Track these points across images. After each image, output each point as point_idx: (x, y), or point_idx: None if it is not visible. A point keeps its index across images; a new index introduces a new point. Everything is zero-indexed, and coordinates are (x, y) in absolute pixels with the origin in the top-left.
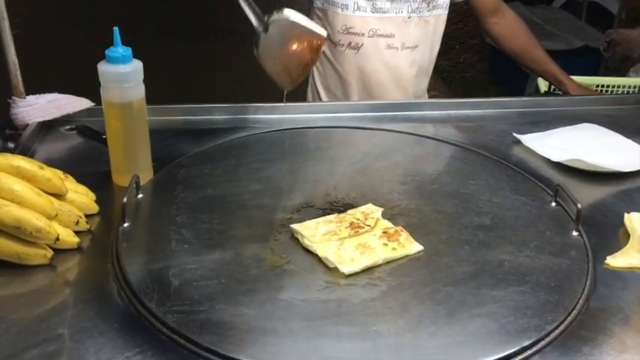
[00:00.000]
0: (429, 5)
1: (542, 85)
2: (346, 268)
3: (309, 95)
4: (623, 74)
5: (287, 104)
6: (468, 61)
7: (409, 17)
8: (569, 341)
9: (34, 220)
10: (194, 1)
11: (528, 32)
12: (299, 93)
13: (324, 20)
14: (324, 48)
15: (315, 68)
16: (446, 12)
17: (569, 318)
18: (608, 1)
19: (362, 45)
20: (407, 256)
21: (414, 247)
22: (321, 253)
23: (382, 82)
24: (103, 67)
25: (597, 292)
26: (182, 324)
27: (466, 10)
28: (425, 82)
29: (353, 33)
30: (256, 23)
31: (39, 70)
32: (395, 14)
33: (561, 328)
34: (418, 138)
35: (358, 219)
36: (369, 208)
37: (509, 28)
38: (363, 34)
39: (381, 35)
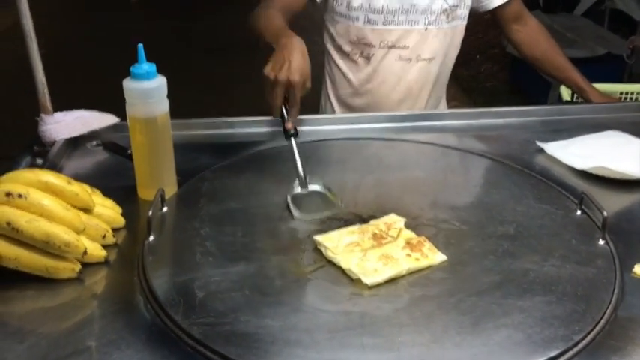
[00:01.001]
0: (448, 17)
1: (565, 93)
2: (369, 279)
3: (322, 106)
4: None
5: (309, 116)
6: (489, 71)
7: (426, 29)
8: (598, 351)
9: (62, 234)
10: (216, 17)
11: (550, 39)
12: (312, 104)
13: (338, 31)
14: (335, 61)
15: (328, 78)
16: (464, 22)
17: (597, 327)
18: (631, 8)
19: (373, 56)
20: (430, 266)
21: (437, 257)
22: (344, 265)
23: (394, 93)
24: (128, 84)
25: (625, 301)
26: (207, 336)
27: (487, 20)
28: (442, 92)
29: (364, 44)
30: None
31: (66, 88)
32: (410, 26)
33: (589, 337)
34: (440, 148)
35: (381, 229)
36: (392, 218)
37: (531, 35)
38: (374, 46)
39: (394, 47)
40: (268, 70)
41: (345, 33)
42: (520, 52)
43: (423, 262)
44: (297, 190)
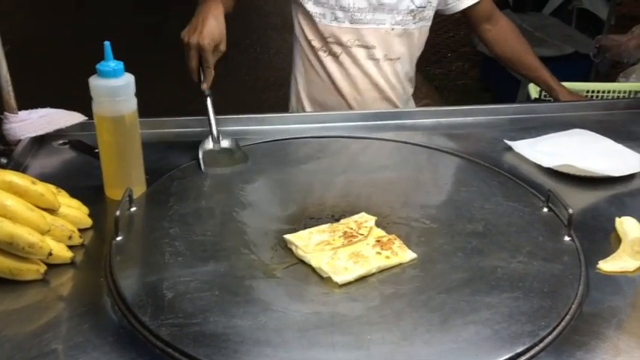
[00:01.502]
0: (414, 17)
1: (533, 91)
2: (340, 278)
3: (292, 102)
4: (614, 80)
5: (279, 114)
6: (460, 69)
7: (392, 29)
8: (563, 346)
9: (26, 235)
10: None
11: (521, 38)
12: (281, 99)
13: (307, 26)
14: (304, 57)
15: (298, 75)
16: (429, 23)
17: (563, 323)
18: (597, 8)
19: (341, 53)
20: (401, 264)
21: (407, 255)
22: (314, 263)
23: (362, 91)
24: (94, 82)
25: (590, 296)
26: (176, 337)
27: (458, 19)
28: (410, 91)
29: (331, 42)
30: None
31: (31, 86)
32: (376, 26)
33: (555, 333)
34: (410, 146)
35: (352, 228)
36: (363, 217)
37: (502, 35)
38: (340, 44)
39: (361, 46)
40: (183, 33)
41: (313, 27)
42: (491, 50)
43: (393, 260)
44: (210, 146)
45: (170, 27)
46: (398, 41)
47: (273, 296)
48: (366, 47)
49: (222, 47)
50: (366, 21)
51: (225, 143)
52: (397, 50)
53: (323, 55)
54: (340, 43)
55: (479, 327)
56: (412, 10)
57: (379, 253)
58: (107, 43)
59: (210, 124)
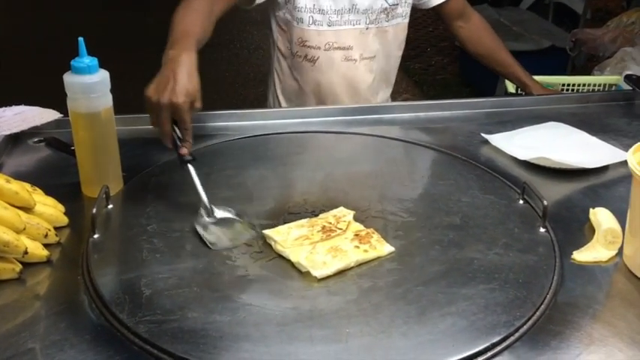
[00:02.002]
0: (387, 16)
1: (510, 86)
2: (318, 272)
3: (270, 102)
4: (590, 73)
5: (259, 110)
6: (439, 64)
7: (367, 28)
8: (538, 336)
9: (1, 234)
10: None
11: (493, 35)
12: (261, 95)
13: (284, 31)
14: (282, 60)
15: (275, 77)
16: (406, 20)
17: (538, 313)
18: (574, 2)
19: (318, 58)
20: (379, 257)
21: (385, 248)
22: (293, 258)
23: (339, 94)
24: (68, 78)
25: (565, 286)
26: (154, 334)
27: (436, 14)
28: (387, 92)
29: (308, 46)
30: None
31: (5, 83)
32: (352, 26)
33: (530, 323)
34: (388, 141)
35: (330, 223)
36: (341, 211)
37: (474, 32)
38: (319, 48)
39: (338, 48)
40: (151, 91)
41: (290, 32)
42: (464, 48)
43: (371, 254)
44: (205, 219)
45: (147, 24)
46: (373, 40)
47: (252, 291)
48: (343, 49)
49: (198, 104)
50: (342, 22)
51: (219, 213)
52: (372, 49)
53: (299, 60)
54: (317, 47)
55: (455, 318)
56: (385, 9)
57: (357, 247)
58: (81, 39)
59: (199, 195)
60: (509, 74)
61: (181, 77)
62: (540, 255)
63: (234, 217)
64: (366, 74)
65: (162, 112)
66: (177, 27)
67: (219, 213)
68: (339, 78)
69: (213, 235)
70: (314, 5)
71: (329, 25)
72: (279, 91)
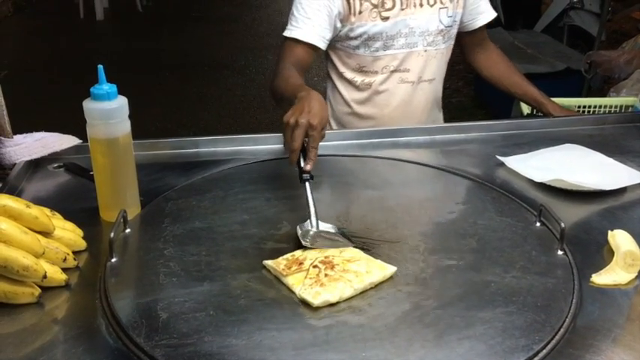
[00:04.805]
0: (444, 37)
1: (525, 108)
2: (317, 301)
3: None
4: (606, 95)
5: (275, 135)
6: (455, 87)
7: (425, 51)
8: None
9: (20, 258)
10: (181, 37)
11: (508, 61)
12: (275, 120)
13: (337, 58)
14: (339, 85)
15: (329, 104)
16: (454, 42)
17: (557, 337)
18: (589, 24)
19: (374, 81)
20: (393, 280)
21: (388, 269)
22: (296, 290)
23: (398, 117)
24: (88, 105)
25: (584, 309)
26: (170, 357)
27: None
28: (439, 116)
29: (366, 71)
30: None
31: (26, 110)
32: (410, 49)
33: (549, 347)
34: (403, 164)
35: (334, 255)
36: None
37: (490, 58)
38: (376, 72)
39: (396, 71)
40: (289, 115)
41: (347, 61)
42: (479, 73)
43: (377, 277)
44: (308, 227)
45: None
46: (432, 62)
47: (268, 316)
48: (402, 71)
49: (324, 132)
50: (399, 46)
51: (323, 226)
52: (432, 71)
53: (356, 85)
54: (375, 71)
55: (473, 342)
56: (441, 31)
57: (358, 273)
58: (100, 67)
59: (309, 209)
60: (525, 94)
61: (315, 105)
62: (558, 278)
63: (334, 231)
64: (425, 97)
65: (298, 129)
66: (289, 86)
67: (322, 226)
68: (399, 101)
69: (309, 240)
70: (367, 32)
71: (384, 50)
72: (331, 119)
